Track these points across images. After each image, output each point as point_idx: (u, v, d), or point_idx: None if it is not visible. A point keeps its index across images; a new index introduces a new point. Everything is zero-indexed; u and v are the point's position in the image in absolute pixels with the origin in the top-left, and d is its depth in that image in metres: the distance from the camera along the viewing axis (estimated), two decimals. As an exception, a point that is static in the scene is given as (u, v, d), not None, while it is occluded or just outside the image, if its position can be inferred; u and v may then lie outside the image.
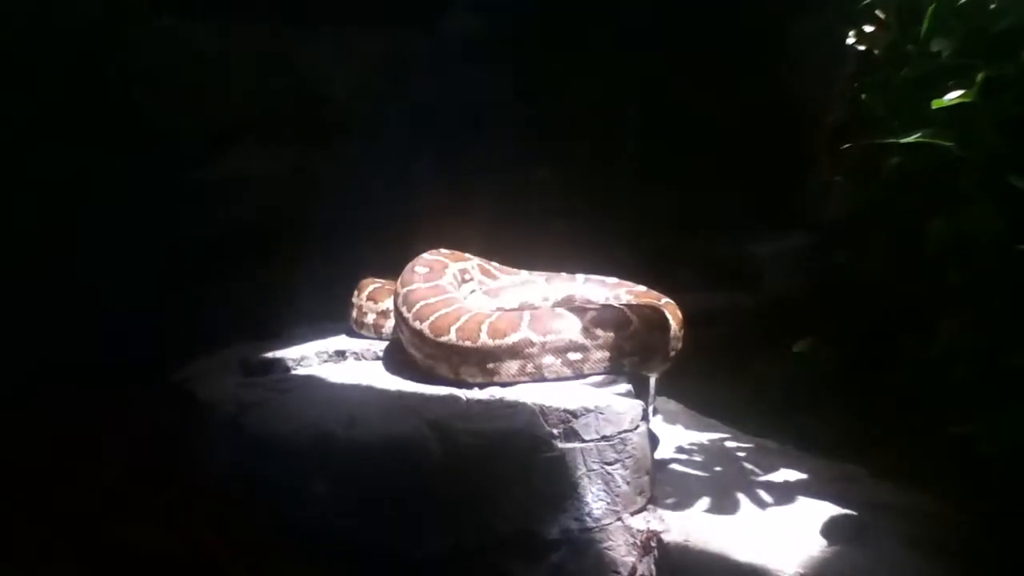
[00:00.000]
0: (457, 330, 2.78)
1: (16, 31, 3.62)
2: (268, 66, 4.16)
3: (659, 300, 3.07)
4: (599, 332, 2.74)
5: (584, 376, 2.76)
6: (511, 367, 2.74)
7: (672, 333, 2.91)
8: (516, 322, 2.74)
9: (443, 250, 3.35)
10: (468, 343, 2.75)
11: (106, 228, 3.88)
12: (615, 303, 3.06)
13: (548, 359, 2.73)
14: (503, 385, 2.73)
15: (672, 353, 2.94)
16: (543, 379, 2.74)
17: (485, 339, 2.73)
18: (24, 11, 3.65)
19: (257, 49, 4.12)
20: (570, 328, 2.73)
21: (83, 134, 3.84)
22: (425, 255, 3.27)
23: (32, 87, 3.71)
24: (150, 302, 3.86)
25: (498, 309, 3.00)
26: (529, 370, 2.74)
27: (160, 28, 3.97)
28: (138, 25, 3.92)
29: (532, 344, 2.72)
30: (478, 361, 2.76)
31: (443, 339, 2.79)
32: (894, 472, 2.81)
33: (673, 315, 2.95)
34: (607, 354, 2.76)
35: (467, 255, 3.37)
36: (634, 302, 3.08)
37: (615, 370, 2.79)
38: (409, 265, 3.20)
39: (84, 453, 3.35)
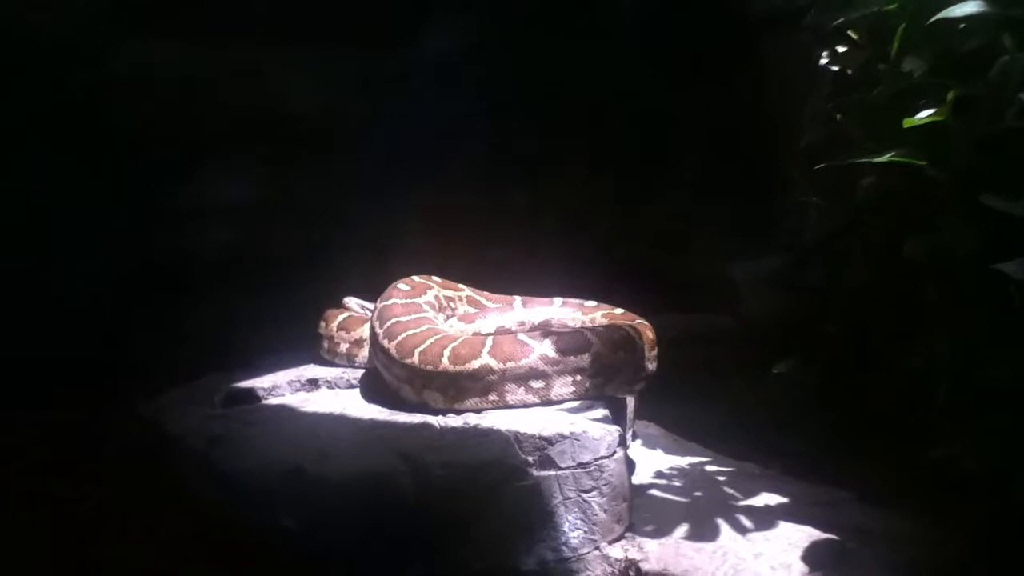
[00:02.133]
0: (420, 353, 2.75)
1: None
2: (241, 86, 4.12)
3: (632, 321, 3.03)
4: (559, 357, 2.70)
5: (551, 403, 2.71)
6: (472, 394, 2.70)
7: (640, 353, 2.87)
8: (478, 348, 2.70)
9: (434, 277, 3.37)
10: (430, 367, 2.72)
11: (74, 251, 3.82)
12: (589, 326, 3.02)
13: (510, 386, 2.69)
14: (466, 412, 2.68)
15: (642, 374, 2.90)
16: (507, 406, 2.69)
17: (446, 364, 2.70)
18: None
19: (231, 69, 4.08)
20: (529, 355, 2.69)
21: (51, 155, 3.78)
22: (415, 277, 3.29)
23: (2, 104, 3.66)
24: (119, 326, 3.80)
25: (474, 335, 2.96)
26: (492, 398, 2.70)
27: (132, 48, 3.92)
28: (111, 45, 3.88)
29: (492, 371, 2.67)
30: (439, 386, 2.72)
31: (407, 361, 2.77)
32: (877, 495, 2.78)
33: (642, 335, 2.91)
34: (570, 379, 2.72)
35: (459, 285, 3.39)
36: (602, 324, 3.05)
37: (581, 395, 2.74)
38: (394, 283, 3.20)
39: (59, 478, 3.26)
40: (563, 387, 2.72)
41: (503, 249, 4.14)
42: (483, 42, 4.37)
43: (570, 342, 2.73)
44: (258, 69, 4.11)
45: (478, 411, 2.68)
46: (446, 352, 2.71)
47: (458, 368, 2.68)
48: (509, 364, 2.67)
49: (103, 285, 3.82)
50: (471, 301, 3.32)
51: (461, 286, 3.38)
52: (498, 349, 2.70)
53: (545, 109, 4.44)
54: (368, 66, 4.28)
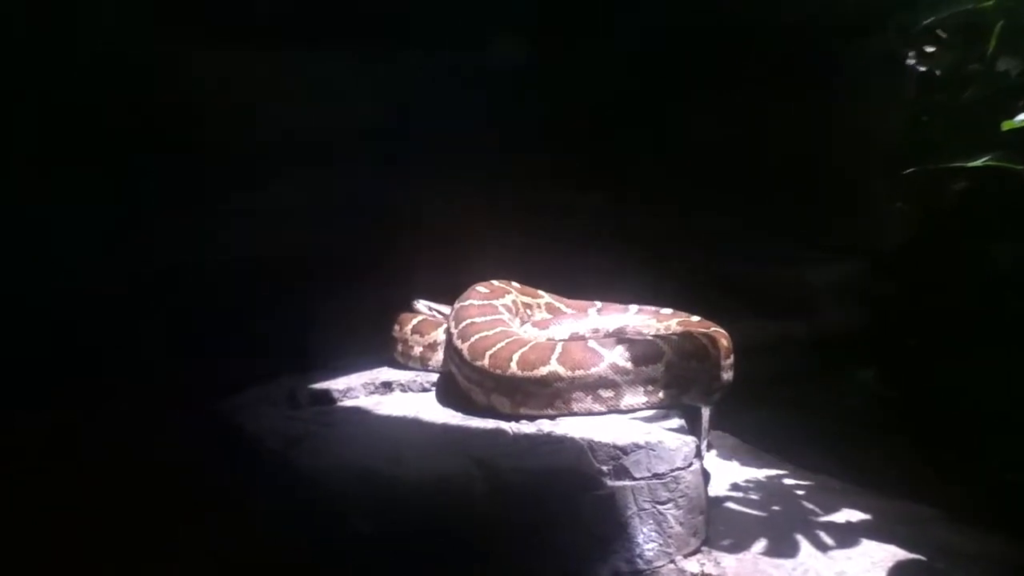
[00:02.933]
0: (491, 356, 2.74)
1: (47, 61, 3.67)
2: (303, 89, 4.17)
3: (707, 329, 2.97)
4: (630, 367, 2.65)
5: (619, 411, 2.67)
6: (539, 400, 2.67)
7: (714, 363, 2.80)
8: (547, 355, 2.67)
9: (514, 283, 3.38)
10: (499, 371, 2.71)
11: (150, 255, 3.91)
12: (662, 334, 2.97)
13: (577, 394, 2.65)
14: (531, 419, 2.66)
15: (717, 384, 2.83)
16: (573, 414, 2.66)
17: (514, 369, 2.68)
18: (56, 40, 3.70)
19: (287, 72, 4.13)
20: (599, 363, 2.65)
21: (121, 163, 3.87)
22: (494, 281, 3.31)
23: (67, 116, 3.75)
24: (193, 329, 3.87)
25: (547, 340, 2.94)
26: (558, 405, 2.66)
27: (191, 57, 4.00)
28: (169, 54, 3.96)
29: (560, 378, 2.64)
30: (507, 391, 2.71)
31: (478, 363, 2.76)
32: (966, 512, 2.67)
33: (717, 344, 2.85)
34: (640, 389, 2.67)
35: (539, 291, 3.39)
36: (676, 332, 3.00)
37: (653, 405, 2.69)
38: (473, 285, 3.24)
39: (123, 479, 3.33)
40: (633, 397, 2.67)
41: (574, 255, 4.10)
42: (551, 39, 4.34)
43: (641, 351, 2.68)
44: (318, 70, 4.15)
45: (544, 418, 2.66)
46: (515, 357, 2.70)
47: (526, 374, 2.67)
48: (578, 372, 2.64)
49: (178, 286, 3.89)
50: (550, 308, 3.32)
51: (541, 293, 3.38)
52: (567, 356, 2.67)
53: (615, 112, 4.39)
54: (437, 65, 4.29)
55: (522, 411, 2.70)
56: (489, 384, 2.76)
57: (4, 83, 3.53)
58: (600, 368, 2.64)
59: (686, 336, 2.85)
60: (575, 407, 2.66)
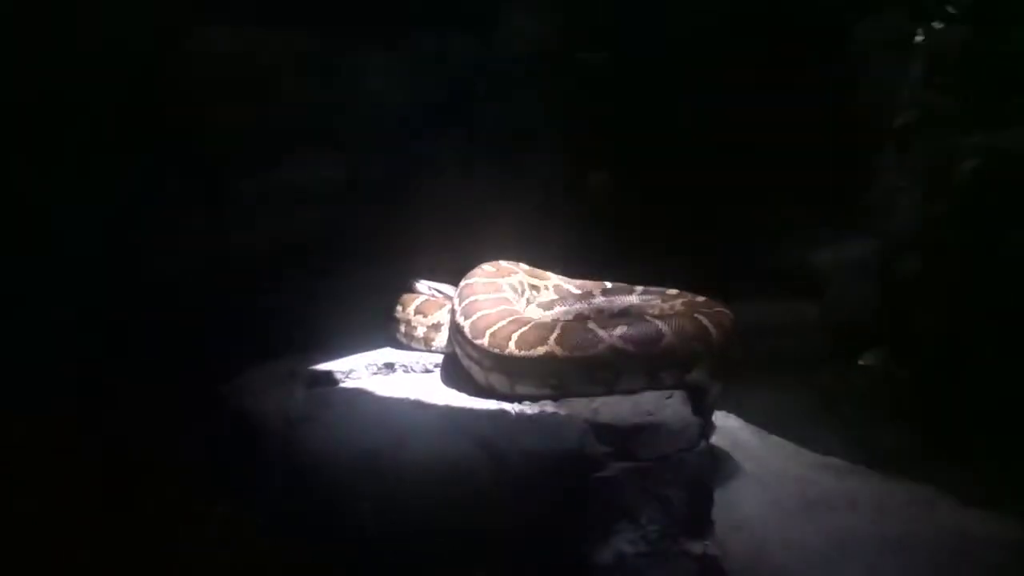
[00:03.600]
0: (491, 334, 2.71)
1: (68, 43, 3.66)
2: (319, 74, 4.15)
3: (711, 309, 2.93)
4: (629, 348, 2.60)
5: (617, 393, 2.62)
6: (534, 380, 2.64)
7: (716, 343, 2.73)
8: (545, 335, 2.64)
9: (522, 264, 3.34)
10: (496, 350, 2.68)
11: (156, 237, 3.90)
12: (666, 315, 2.94)
13: (574, 375, 2.61)
14: (531, 399, 2.63)
15: (719, 364, 2.77)
16: (570, 395, 2.62)
17: (512, 348, 2.65)
18: (77, 22, 3.68)
19: (305, 55, 4.11)
20: (597, 345, 2.61)
21: (134, 144, 3.86)
22: (502, 262, 3.28)
23: (85, 98, 3.74)
24: (199, 311, 3.86)
25: (551, 320, 2.92)
26: (554, 385, 2.63)
27: (211, 37, 3.98)
28: (189, 34, 3.94)
29: (557, 359, 2.60)
30: (504, 370, 2.68)
31: (478, 341, 2.74)
32: (974, 494, 2.65)
33: (719, 324, 2.78)
34: (639, 370, 2.62)
35: (547, 273, 3.35)
36: (680, 312, 2.97)
37: (650, 387, 2.64)
38: (480, 265, 3.22)
39: (136, 460, 3.34)
40: (631, 379, 2.63)
41: (578, 234, 4.08)
42: (562, 27, 4.31)
43: (640, 332, 2.63)
44: (332, 54, 4.13)
45: (541, 398, 2.63)
46: (514, 336, 2.67)
47: (523, 353, 2.63)
48: (576, 353, 2.60)
49: (180, 269, 3.89)
50: (558, 289, 3.28)
51: (549, 274, 3.34)
52: (565, 337, 2.63)
53: (623, 91, 4.36)
54: (444, 50, 4.26)
55: (519, 390, 2.67)
56: (488, 363, 2.74)
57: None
58: (598, 349, 2.61)
59: (687, 317, 2.80)
60: (572, 388, 2.63)
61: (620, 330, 2.63)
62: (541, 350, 2.62)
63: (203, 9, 3.87)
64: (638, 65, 4.37)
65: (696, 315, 2.80)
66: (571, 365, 2.60)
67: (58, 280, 3.61)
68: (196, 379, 3.36)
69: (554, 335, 2.63)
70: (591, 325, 2.69)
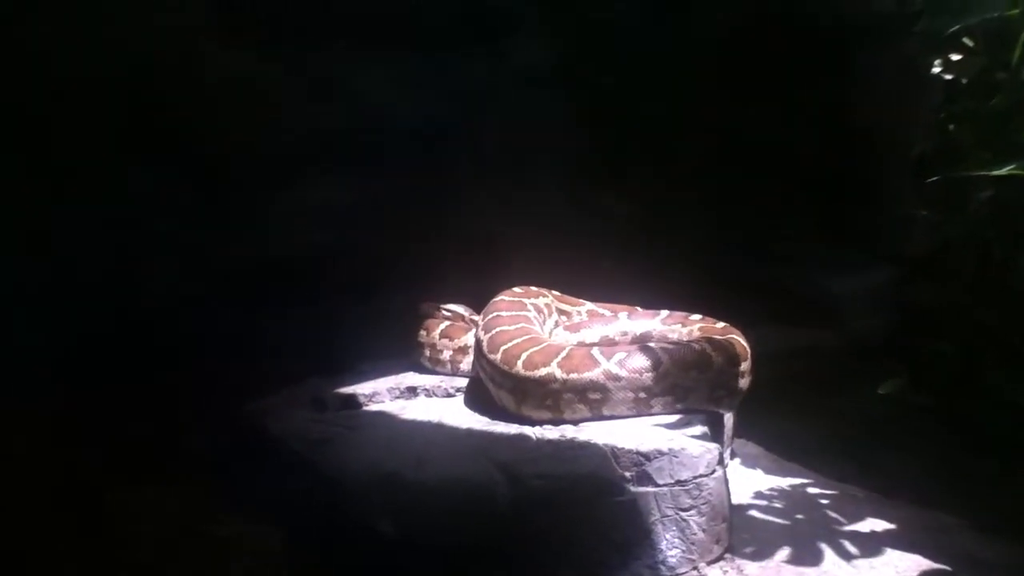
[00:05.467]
0: (504, 351, 2.81)
1: (83, 60, 3.73)
2: (330, 94, 4.20)
3: (724, 336, 2.96)
4: (622, 374, 2.66)
5: (603, 418, 2.68)
6: (534, 400, 2.72)
7: (717, 371, 2.77)
8: (551, 357, 2.72)
9: (554, 292, 3.45)
10: (506, 367, 2.78)
11: (174, 254, 3.95)
12: (672, 342, 2.98)
13: (568, 396, 2.68)
14: (528, 418, 2.71)
15: (721, 391, 2.80)
16: (562, 418, 2.69)
17: (519, 368, 2.73)
18: (92, 40, 3.75)
19: (319, 77, 4.17)
20: (593, 369, 2.67)
21: (148, 163, 3.91)
22: (533, 287, 3.40)
23: (99, 115, 3.80)
24: (220, 333, 3.90)
25: (563, 344, 2.97)
26: (548, 404, 2.70)
27: (225, 58, 4.04)
28: (203, 55, 4.00)
29: (555, 380, 2.68)
30: (510, 388, 2.77)
31: (492, 356, 2.83)
32: (992, 523, 2.64)
33: (725, 352, 2.82)
34: (630, 395, 2.68)
35: (580, 300, 3.46)
36: (685, 340, 3.01)
37: (641, 413, 2.70)
38: (512, 287, 3.34)
39: (151, 477, 3.37)
40: (619, 403, 2.69)
41: (595, 260, 4.11)
42: (574, 49, 4.36)
43: (637, 359, 2.70)
44: (352, 76, 4.19)
45: (538, 420, 2.71)
46: (523, 356, 2.76)
47: (527, 373, 2.72)
48: (572, 375, 2.67)
49: (203, 290, 3.93)
50: (591, 314, 3.38)
51: (582, 301, 3.43)
52: (568, 360, 2.71)
53: (638, 116, 4.40)
54: (462, 71, 4.31)
55: (523, 411, 2.75)
56: (499, 380, 2.83)
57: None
58: (593, 373, 2.67)
59: (686, 346, 2.84)
60: (564, 410, 2.70)
61: (620, 356, 2.69)
62: (543, 371, 2.69)
63: (216, 30, 3.95)
64: (648, 88, 4.41)
65: (702, 343, 2.84)
66: (567, 387, 2.67)
67: (77, 293, 3.66)
68: (220, 400, 3.40)
69: (559, 357, 2.71)
70: (594, 351, 2.74)
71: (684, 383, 2.71)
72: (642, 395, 2.68)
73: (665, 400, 2.70)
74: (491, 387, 2.89)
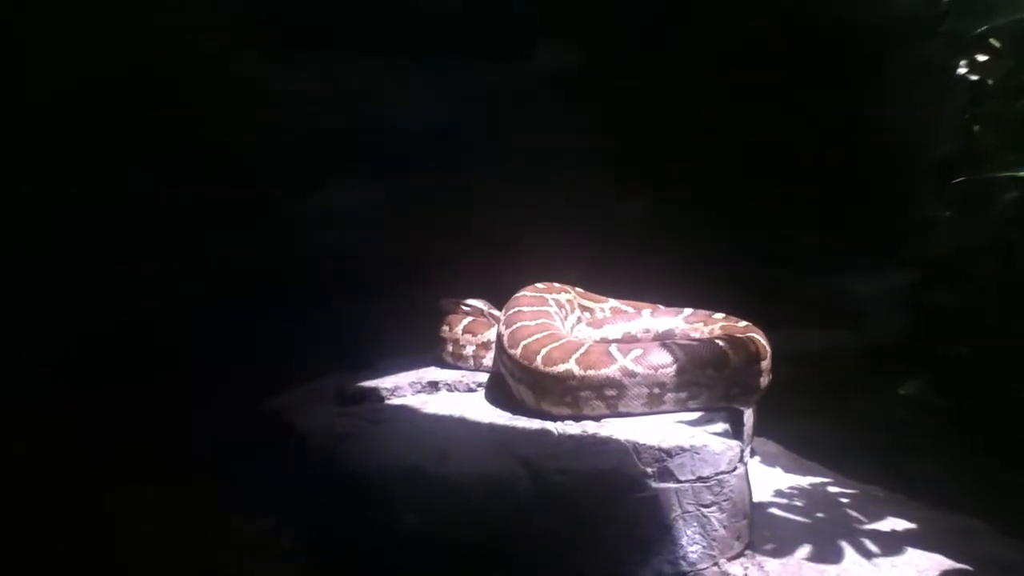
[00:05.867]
0: (524, 347, 2.83)
1: (105, 67, 3.76)
2: (357, 99, 4.23)
3: (744, 334, 2.97)
4: (638, 370, 2.68)
5: (619, 415, 2.69)
6: (553, 396, 2.74)
7: (734, 368, 2.78)
8: (569, 353, 2.74)
9: (577, 288, 3.47)
10: (525, 363, 2.80)
11: (201, 254, 3.98)
12: (680, 341, 2.99)
13: (585, 393, 2.70)
14: (552, 418, 2.73)
15: (737, 388, 2.80)
16: (581, 414, 2.71)
17: (538, 363, 2.76)
18: (114, 47, 3.78)
19: (346, 82, 4.20)
20: (610, 366, 2.69)
21: (171, 167, 3.95)
22: (556, 284, 3.42)
23: (122, 120, 3.83)
24: (243, 331, 3.93)
25: (602, 340, 3.02)
26: (567, 401, 2.72)
27: (247, 63, 4.07)
28: (225, 61, 4.03)
29: (573, 377, 2.70)
30: (529, 384, 2.80)
31: (512, 351, 2.86)
32: (1014, 524, 2.63)
33: (742, 350, 2.82)
34: (645, 391, 2.69)
35: (605, 298, 3.47)
36: (693, 338, 3.03)
37: (655, 410, 2.71)
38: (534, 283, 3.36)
39: (177, 477, 3.40)
40: (634, 400, 2.70)
41: (619, 263, 4.12)
42: (593, 53, 4.37)
43: (653, 356, 2.71)
44: (369, 81, 4.21)
45: (557, 415, 2.73)
46: (543, 351, 2.78)
47: (546, 369, 2.74)
48: (589, 372, 2.69)
49: (227, 287, 3.96)
50: (614, 311, 3.39)
51: (606, 298, 3.45)
52: (585, 356, 2.72)
53: (657, 119, 4.40)
54: (480, 77, 4.33)
55: (543, 406, 2.77)
56: (518, 374, 2.85)
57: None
58: (610, 370, 2.68)
59: (703, 343, 2.86)
60: (583, 407, 2.71)
61: (634, 353, 2.71)
62: (561, 367, 2.71)
63: (239, 34, 3.98)
64: (667, 92, 4.41)
65: (719, 340, 2.85)
66: (584, 383, 2.69)
67: (84, 294, 3.70)
68: (243, 395, 3.44)
69: (577, 354, 2.73)
70: (612, 348, 2.75)
71: (700, 380, 2.72)
72: (656, 391, 2.69)
73: (679, 397, 2.71)
74: (511, 382, 2.91)
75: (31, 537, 2.93)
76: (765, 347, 2.94)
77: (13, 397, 3.38)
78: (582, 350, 2.75)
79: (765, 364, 2.90)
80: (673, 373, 2.69)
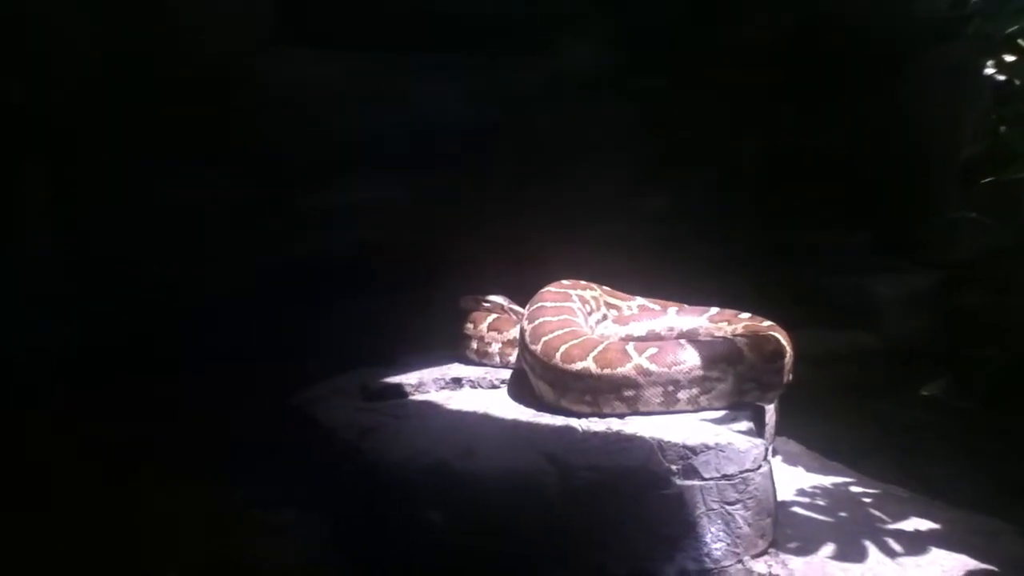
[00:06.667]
0: (544, 343, 2.84)
1: (146, 58, 3.80)
2: (382, 96, 4.26)
3: (765, 333, 2.96)
4: (653, 369, 2.68)
5: (639, 414, 2.70)
6: (572, 394, 2.75)
7: (750, 366, 2.77)
8: (588, 351, 2.74)
9: (604, 287, 3.46)
10: (545, 359, 2.81)
11: (225, 250, 4.02)
12: (697, 338, 2.99)
13: (604, 392, 2.70)
14: (569, 411, 2.74)
15: (751, 386, 2.79)
16: (601, 412, 2.71)
17: (557, 360, 2.77)
18: (155, 40, 3.82)
19: (372, 79, 4.23)
20: (625, 364, 2.69)
21: (206, 158, 3.99)
22: (582, 281, 3.41)
23: (159, 112, 3.87)
24: (267, 325, 3.97)
25: (626, 337, 3.04)
26: (587, 399, 2.73)
27: (272, 61, 4.10)
28: (251, 59, 4.06)
29: (591, 375, 2.70)
30: (549, 380, 2.80)
31: (532, 347, 2.87)
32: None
33: (760, 348, 2.81)
34: (660, 390, 2.69)
35: (632, 296, 3.45)
36: (703, 337, 3.04)
37: (670, 408, 2.70)
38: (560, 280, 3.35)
39: (203, 470, 3.43)
40: (652, 399, 2.70)
41: (640, 259, 4.13)
42: (624, 53, 4.38)
43: (666, 355, 2.71)
44: (394, 78, 4.24)
45: (578, 412, 2.73)
46: (562, 348, 2.78)
47: (565, 366, 2.74)
48: (605, 371, 2.69)
49: (252, 284, 4.00)
50: (642, 308, 3.38)
51: (633, 296, 3.44)
52: (602, 355, 2.72)
53: (687, 119, 4.41)
54: (506, 76, 4.35)
55: (563, 403, 2.78)
56: (539, 371, 2.86)
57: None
58: (626, 368, 2.69)
59: (717, 340, 2.86)
60: (603, 406, 2.71)
61: (649, 351, 2.72)
62: (579, 365, 2.72)
63: (269, 32, 4.01)
64: (697, 92, 4.42)
65: (734, 337, 2.85)
66: (602, 382, 2.70)
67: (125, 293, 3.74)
68: (267, 390, 3.47)
69: (595, 352, 2.73)
70: (629, 346, 2.76)
71: (712, 376, 2.72)
72: (671, 388, 2.69)
73: (692, 393, 2.71)
74: (532, 378, 2.93)
75: (25, 535, 2.95)
76: (785, 346, 2.92)
77: (44, 398, 3.45)
78: (600, 348, 2.76)
79: (784, 363, 2.89)
80: (686, 369, 2.69)
